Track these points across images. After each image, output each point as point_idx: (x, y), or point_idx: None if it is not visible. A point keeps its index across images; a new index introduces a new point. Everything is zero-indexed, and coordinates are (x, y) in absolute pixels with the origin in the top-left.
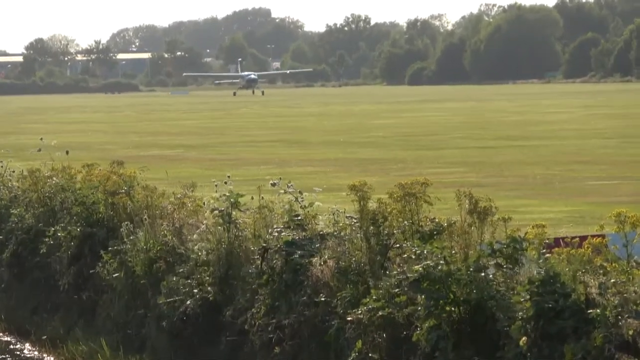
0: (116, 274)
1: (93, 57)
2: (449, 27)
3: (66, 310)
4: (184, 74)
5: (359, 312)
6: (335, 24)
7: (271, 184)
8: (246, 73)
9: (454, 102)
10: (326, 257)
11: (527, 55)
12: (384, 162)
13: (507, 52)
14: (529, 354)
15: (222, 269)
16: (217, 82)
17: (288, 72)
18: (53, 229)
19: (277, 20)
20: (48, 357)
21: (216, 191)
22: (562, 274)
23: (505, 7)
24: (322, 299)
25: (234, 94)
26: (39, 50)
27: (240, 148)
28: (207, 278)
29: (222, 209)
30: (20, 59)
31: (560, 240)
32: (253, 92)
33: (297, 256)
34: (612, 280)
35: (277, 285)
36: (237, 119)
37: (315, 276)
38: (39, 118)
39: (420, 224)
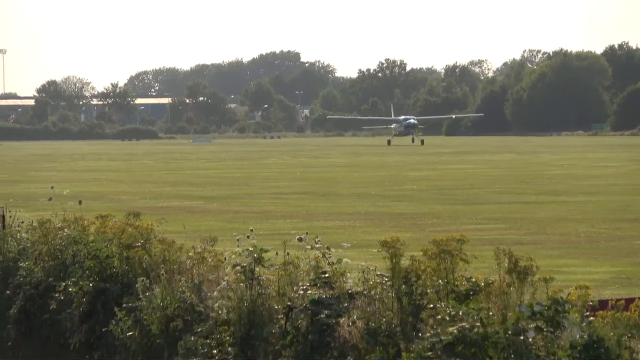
0: (130, 333)
1: (110, 101)
2: (490, 74)
3: None
4: (328, 116)
5: None
6: (368, 69)
7: (298, 239)
8: (404, 117)
9: (493, 154)
10: (354, 317)
11: (572, 105)
12: (418, 217)
13: (551, 101)
14: None
15: (243, 329)
16: (365, 127)
17: (454, 117)
18: (64, 283)
19: (306, 65)
20: None
21: (238, 245)
22: (606, 338)
23: (550, 53)
24: None
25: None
26: (51, 93)
27: (266, 200)
28: (228, 338)
29: (245, 264)
30: (32, 102)
31: (606, 303)
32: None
33: (324, 316)
34: None
35: (302, 346)
36: (263, 169)
37: (342, 337)
38: (51, 166)
39: (456, 283)
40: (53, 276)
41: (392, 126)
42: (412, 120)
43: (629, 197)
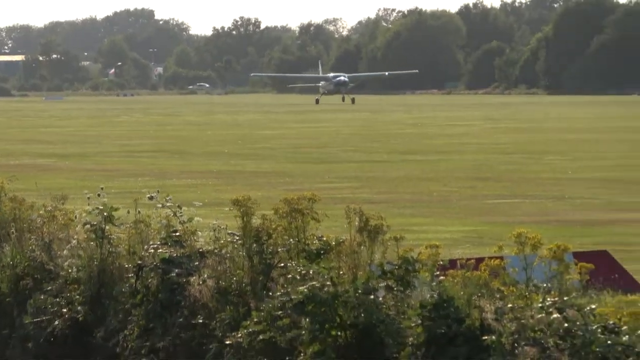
0: None
1: None
2: (345, 33)
3: None
4: (252, 74)
5: (239, 335)
6: (222, 28)
7: (148, 197)
8: (333, 74)
9: (347, 112)
10: (205, 276)
11: (427, 63)
12: (270, 176)
13: (405, 60)
14: None
15: (93, 288)
16: (290, 85)
17: (387, 74)
18: None
19: (160, 23)
20: None
21: (89, 204)
22: (456, 297)
23: (405, 12)
24: (200, 321)
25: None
26: None
27: (118, 158)
28: (77, 297)
29: (95, 223)
30: None
31: (456, 262)
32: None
33: (174, 275)
34: (510, 305)
35: (152, 305)
36: (116, 127)
37: (193, 296)
38: None
39: (307, 242)
40: None
41: (321, 84)
42: (343, 77)
43: (482, 156)
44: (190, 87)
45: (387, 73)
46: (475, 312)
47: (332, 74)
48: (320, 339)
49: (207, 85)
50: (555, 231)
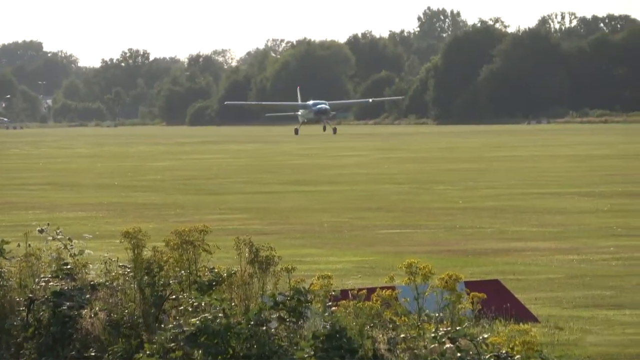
0: None
1: None
2: (234, 64)
3: None
4: (226, 102)
5: None
6: (111, 59)
7: (38, 230)
8: (313, 102)
9: (237, 143)
10: (97, 308)
11: (316, 94)
12: (161, 208)
13: (295, 90)
14: None
15: None
16: (268, 114)
17: (371, 100)
18: None
19: (49, 55)
20: None
21: None
22: (348, 328)
23: (294, 42)
24: (92, 354)
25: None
26: None
27: (8, 191)
28: None
29: None
30: None
31: (348, 292)
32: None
33: (66, 308)
34: (402, 335)
35: (44, 338)
36: (6, 160)
37: (85, 329)
38: None
39: (199, 274)
40: None
41: (299, 112)
42: (324, 105)
43: (373, 186)
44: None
45: (370, 100)
46: (368, 343)
47: (311, 102)
48: None
49: (6, 120)
50: (447, 261)
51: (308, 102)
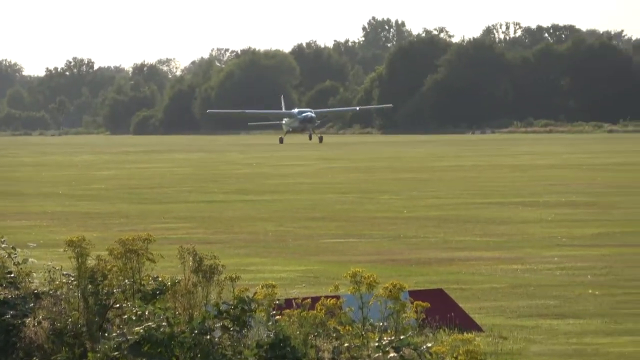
0: None
1: None
2: (178, 73)
3: None
4: (208, 110)
5: None
6: (55, 68)
7: None
8: (298, 110)
9: (182, 152)
10: (40, 317)
11: (261, 103)
12: (105, 217)
13: (240, 100)
14: None
15: None
16: (251, 123)
17: (358, 109)
18: None
19: None
20: None
21: None
22: (292, 337)
23: (239, 51)
24: None
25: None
26: None
27: None
28: None
29: None
30: None
31: (292, 302)
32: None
33: (9, 316)
34: (346, 345)
35: None
36: None
37: (28, 338)
38: None
39: (142, 283)
40: None
41: (284, 121)
42: (310, 113)
43: (317, 195)
44: None
45: (357, 108)
46: (312, 352)
47: (297, 110)
48: None
49: None
50: (391, 270)
51: (293, 110)
